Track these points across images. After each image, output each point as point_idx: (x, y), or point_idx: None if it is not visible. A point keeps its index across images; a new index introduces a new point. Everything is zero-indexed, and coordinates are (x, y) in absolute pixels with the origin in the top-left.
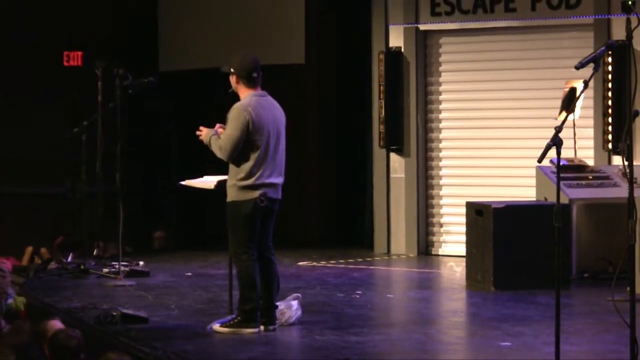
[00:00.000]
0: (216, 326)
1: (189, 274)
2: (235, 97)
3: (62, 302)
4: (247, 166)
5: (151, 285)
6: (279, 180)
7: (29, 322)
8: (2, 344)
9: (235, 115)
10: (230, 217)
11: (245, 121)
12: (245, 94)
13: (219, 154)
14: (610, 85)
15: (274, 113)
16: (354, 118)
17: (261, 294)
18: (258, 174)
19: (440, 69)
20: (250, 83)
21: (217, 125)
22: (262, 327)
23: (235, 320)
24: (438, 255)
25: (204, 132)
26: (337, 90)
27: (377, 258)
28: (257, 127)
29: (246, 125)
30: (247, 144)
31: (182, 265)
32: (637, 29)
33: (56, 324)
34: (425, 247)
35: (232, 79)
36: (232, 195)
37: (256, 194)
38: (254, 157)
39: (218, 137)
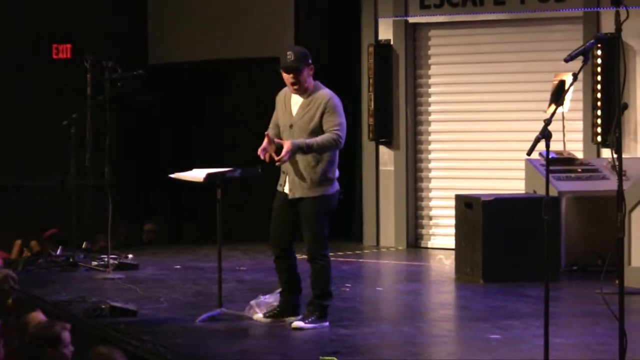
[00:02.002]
0: (298, 324)
1: (178, 266)
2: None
3: (51, 295)
4: (334, 158)
5: (140, 278)
6: None
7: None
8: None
9: (336, 103)
10: (318, 214)
11: (342, 107)
12: (318, 84)
13: (337, 145)
14: (599, 78)
15: None
16: (344, 110)
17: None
18: (337, 167)
19: (430, 61)
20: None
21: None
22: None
23: (317, 315)
24: (427, 248)
25: (287, 146)
26: (326, 83)
27: (367, 251)
28: None
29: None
30: None
31: (171, 258)
32: (626, 22)
33: (38, 316)
34: (414, 240)
35: (309, 71)
36: (320, 189)
37: (338, 186)
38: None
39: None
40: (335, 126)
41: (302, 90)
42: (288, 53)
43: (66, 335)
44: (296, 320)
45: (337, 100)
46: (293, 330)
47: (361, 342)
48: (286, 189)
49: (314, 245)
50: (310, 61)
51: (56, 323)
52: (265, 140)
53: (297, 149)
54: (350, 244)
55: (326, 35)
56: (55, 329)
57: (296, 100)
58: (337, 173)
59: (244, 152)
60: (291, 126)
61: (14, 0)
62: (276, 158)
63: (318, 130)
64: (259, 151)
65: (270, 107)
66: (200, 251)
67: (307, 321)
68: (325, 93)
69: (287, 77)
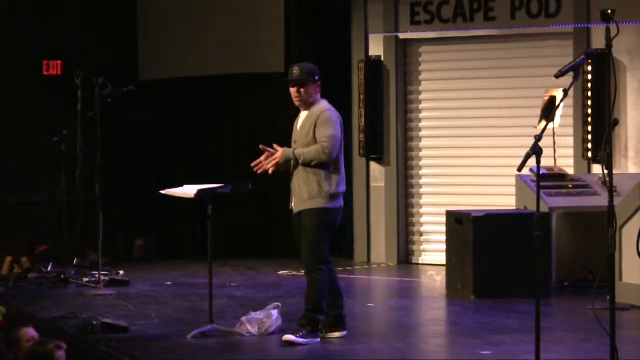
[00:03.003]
0: (289, 337)
1: (169, 283)
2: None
3: (42, 311)
4: (338, 173)
5: (131, 294)
6: None
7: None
8: None
9: (330, 116)
10: (314, 226)
11: (340, 122)
12: (321, 100)
13: (323, 157)
14: (590, 94)
15: None
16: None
17: (336, 302)
18: (342, 181)
19: (420, 77)
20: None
21: (262, 146)
22: (336, 334)
23: (308, 330)
24: (418, 264)
25: (278, 153)
26: None
27: (357, 267)
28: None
29: (340, 126)
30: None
31: (162, 274)
32: (616, 38)
33: (29, 332)
34: (405, 256)
35: (314, 88)
36: (320, 202)
37: (342, 202)
38: (341, 163)
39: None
40: (323, 138)
41: (306, 105)
42: (294, 68)
43: (61, 355)
44: (288, 334)
45: (331, 114)
46: (284, 344)
47: (352, 358)
48: (293, 206)
49: (309, 258)
50: (317, 78)
51: (51, 341)
52: (264, 155)
53: (286, 157)
54: (341, 260)
55: (317, 51)
56: (49, 347)
57: (302, 116)
58: (341, 188)
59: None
60: (295, 142)
61: (3, 16)
62: (270, 163)
63: (312, 143)
64: (253, 164)
65: (261, 123)
66: (191, 267)
67: (298, 335)
68: (321, 107)
69: (292, 91)
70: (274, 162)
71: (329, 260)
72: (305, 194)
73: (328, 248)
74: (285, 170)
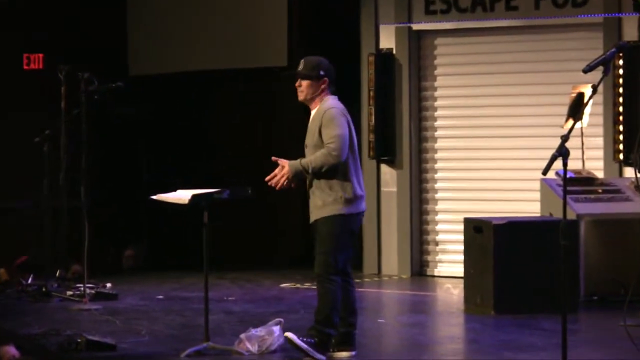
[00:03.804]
0: (291, 335)
1: (161, 296)
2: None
3: (22, 327)
4: (349, 176)
5: (119, 309)
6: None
7: None
8: None
9: (334, 115)
10: (329, 234)
11: (346, 120)
12: (325, 98)
13: (331, 160)
14: (621, 90)
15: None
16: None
17: (349, 319)
18: (357, 185)
19: (436, 72)
20: (332, 87)
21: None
22: (344, 354)
23: (316, 340)
24: (433, 276)
25: (285, 168)
26: None
27: (367, 279)
28: (352, 132)
29: (348, 124)
30: (349, 149)
31: (153, 287)
32: None
33: (10, 351)
34: (419, 268)
35: (317, 84)
36: (335, 208)
37: (360, 207)
38: (353, 165)
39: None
40: (330, 139)
41: (308, 102)
42: (301, 61)
43: None
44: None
45: (335, 112)
46: (285, 339)
47: None
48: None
49: (321, 267)
50: (321, 73)
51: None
52: (278, 168)
53: (295, 170)
54: None
55: (322, 43)
56: None
57: (311, 117)
58: (357, 191)
59: (233, 171)
60: (306, 146)
61: None
62: (281, 180)
63: (320, 145)
64: (267, 178)
65: (262, 122)
66: (185, 279)
67: (301, 338)
68: (325, 106)
69: (296, 84)
70: (283, 180)
71: (345, 272)
72: (319, 201)
73: (346, 259)
74: (298, 184)
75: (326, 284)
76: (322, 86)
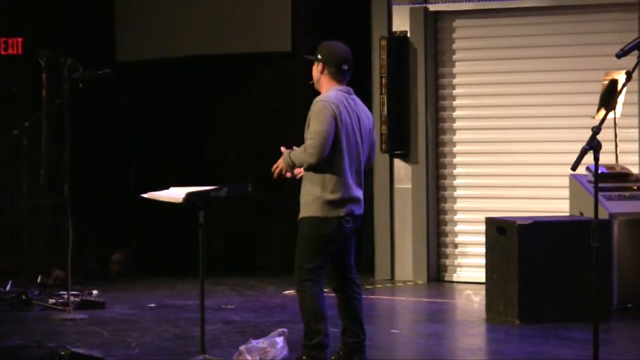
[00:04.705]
0: None
1: (153, 305)
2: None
3: (0, 339)
4: (333, 176)
5: (107, 318)
6: (361, 193)
7: None
8: None
9: (320, 108)
10: (304, 236)
11: (332, 115)
12: (329, 87)
13: (307, 158)
14: None
15: (359, 115)
16: None
17: (353, 329)
18: (345, 186)
19: (454, 57)
20: (338, 76)
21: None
22: None
23: (303, 359)
24: (452, 281)
25: (280, 159)
26: None
27: (379, 285)
28: (342, 128)
29: (334, 119)
30: (334, 146)
31: (143, 294)
32: None
33: None
34: (436, 272)
35: (317, 68)
36: (311, 209)
37: (342, 211)
38: (340, 164)
39: (292, 150)
40: (309, 135)
41: (316, 87)
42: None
43: None
44: None
45: (321, 105)
46: None
47: None
48: None
49: (295, 273)
50: (319, 57)
51: None
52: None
53: (285, 160)
54: (359, 277)
55: (329, 26)
56: None
57: None
58: (345, 194)
59: (232, 166)
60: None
61: None
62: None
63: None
64: (273, 168)
65: (266, 112)
66: (179, 286)
67: None
68: (320, 97)
69: None
70: (277, 170)
71: (317, 280)
72: (302, 199)
73: (318, 267)
74: (294, 177)
75: (299, 291)
76: (323, 72)
